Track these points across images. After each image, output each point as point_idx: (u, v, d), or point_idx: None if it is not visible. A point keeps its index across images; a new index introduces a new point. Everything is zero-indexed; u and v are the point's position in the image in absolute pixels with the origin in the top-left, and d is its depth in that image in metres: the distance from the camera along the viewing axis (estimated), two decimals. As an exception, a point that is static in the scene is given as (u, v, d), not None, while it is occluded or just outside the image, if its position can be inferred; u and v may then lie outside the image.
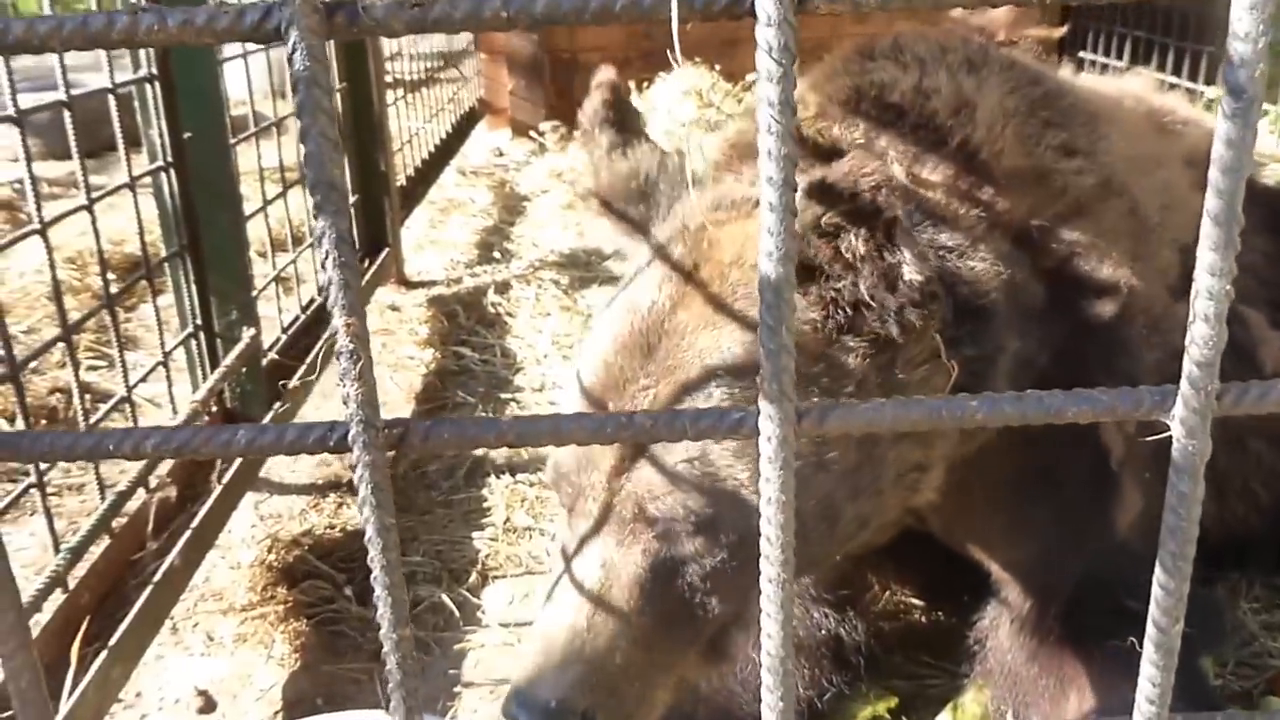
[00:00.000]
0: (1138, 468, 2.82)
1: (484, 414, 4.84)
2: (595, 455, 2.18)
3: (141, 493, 3.28)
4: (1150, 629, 0.75)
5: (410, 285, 6.40)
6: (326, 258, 0.64)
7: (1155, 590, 0.73)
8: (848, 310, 2.12)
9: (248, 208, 4.18)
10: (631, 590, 2.17)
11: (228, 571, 3.85)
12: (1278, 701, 2.88)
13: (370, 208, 5.86)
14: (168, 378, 3.63)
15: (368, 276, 5.48)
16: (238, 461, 3.66)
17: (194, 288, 3.76)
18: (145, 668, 3.40)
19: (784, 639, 0.73)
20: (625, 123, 2.62)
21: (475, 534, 4.01)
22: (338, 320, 0.66)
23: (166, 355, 3.59)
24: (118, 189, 3.33)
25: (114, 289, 3.33)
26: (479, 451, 4.51)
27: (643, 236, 2.49)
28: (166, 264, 3.71)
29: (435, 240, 7.34)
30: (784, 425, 0.67)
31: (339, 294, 0.65)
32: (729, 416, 0.69)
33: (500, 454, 4.48)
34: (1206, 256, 0.64)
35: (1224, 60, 0.64)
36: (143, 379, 3.56)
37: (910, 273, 2.05)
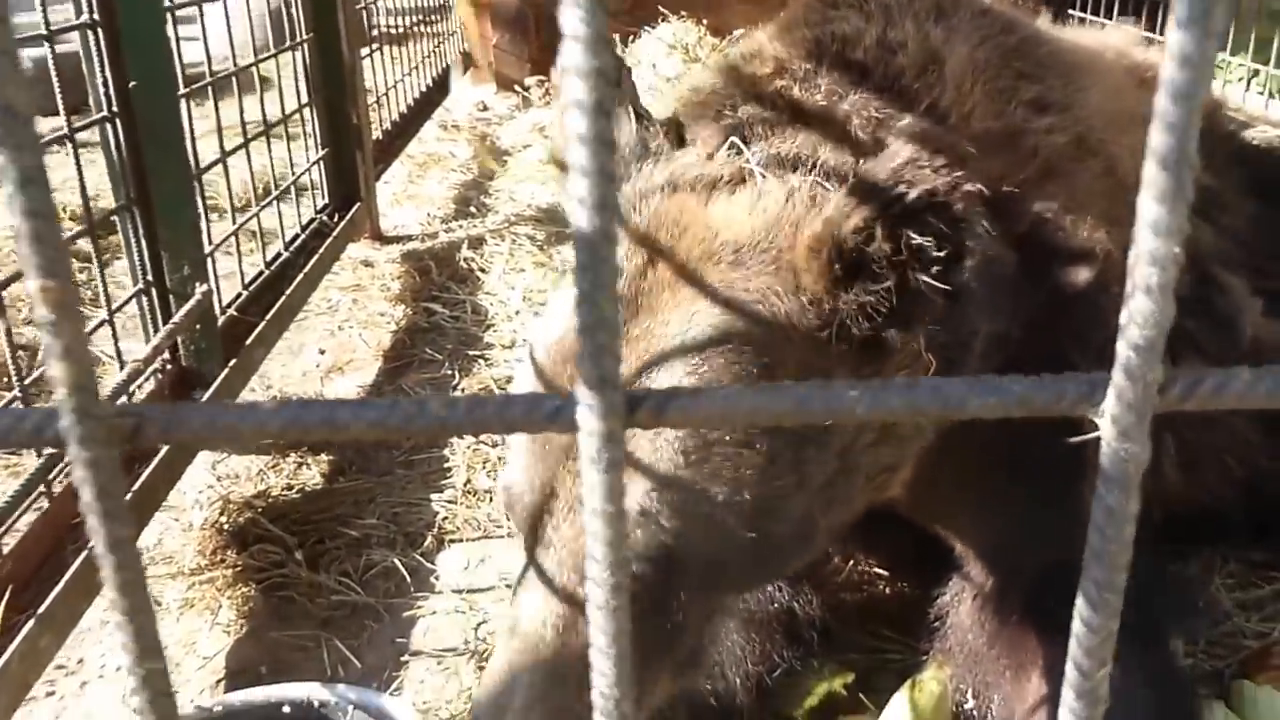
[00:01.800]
0: None
1: (450, 372, 4.70)
2: (555, 479, 2.02)
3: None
4: (1070, 671, 0.60)
5: (385, 240, 6.23)
6: (10, 202, 0.49)
7: (1076, 626, 0.59)
8: (878, 314, 1.97)
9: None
10: None
11: (180, 534, 3.71)
12: (1250, 686, 2.74)
13: (341, 161, 5.68)
14: (113, 334, 3.48)
15: (338, 231, 5.31)
16: (186, 422, 3.52)
17: (144, 243, 3.60)
18: (89, 634, 3.28)
19: (619, 676, 0.58)
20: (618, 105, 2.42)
21: (434, 496, 3.86)
22: (32, 284, 0.51)
23: (112, 313, 3.44)
24: (56, 139, 3.16)
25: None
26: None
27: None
28: (115, 218, 3.56)
29: (413, 195, 7.16)
30: (608, 418, 0.52)
31: (30, 250, 0.50)
32: (543, 406, 0.54)
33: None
34: (1150, 210, 0.49)
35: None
36: (88, 334, 3.41)
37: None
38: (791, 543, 2.08)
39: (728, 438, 1.95)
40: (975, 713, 2.66)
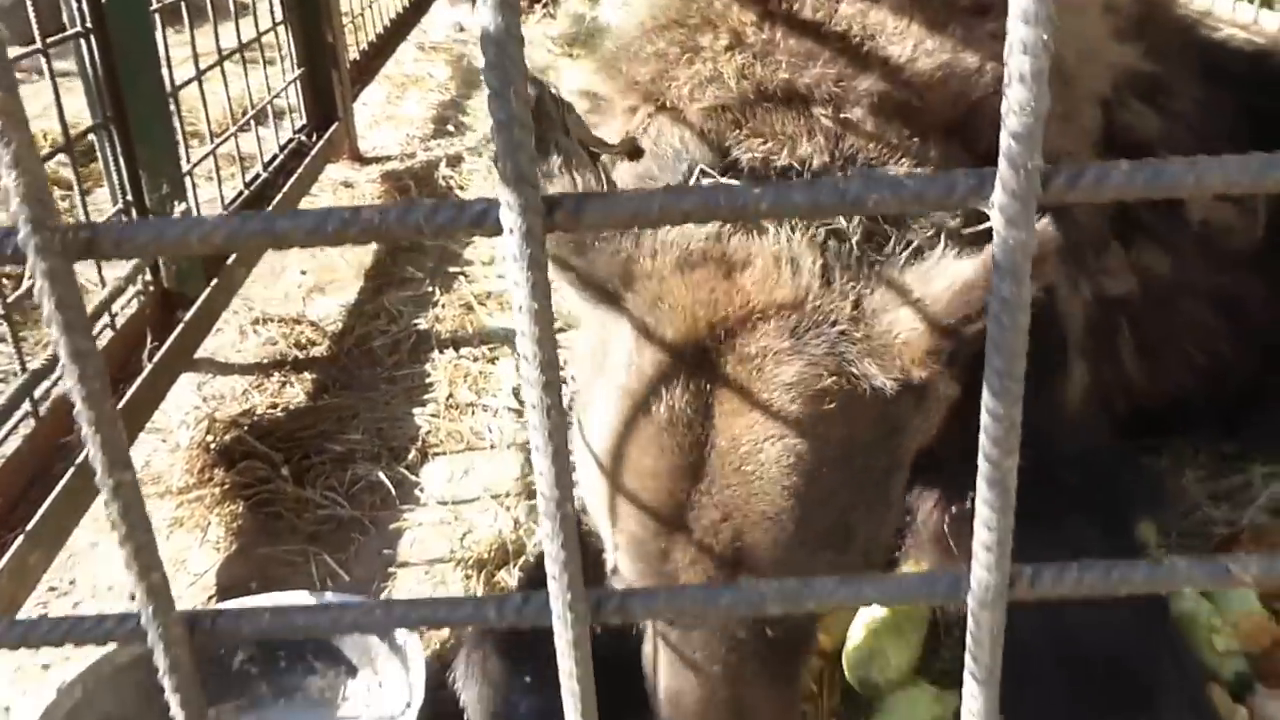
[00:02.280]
0: (1083, 337, 2.75)
1: (431, 289, 4.74)
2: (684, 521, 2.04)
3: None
4: (981, 463, 0.65)
5: (364, 161, 6.24)
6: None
7: (984, 418, 0.63)
8: None
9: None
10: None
11: (167, 455, 3.77)
12: None
13: (318, 80, 5.67)
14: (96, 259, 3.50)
15: (316, 150, 5.32)
16: (169, 341, 3.56)
17: (122, 163, 3.63)
18: (79, 555, 3.34)
19: (557, 474, 0.63)
20: (547, 143, 2.22)
21: (417, 410, 3.93)
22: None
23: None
24: (27, 54, 3.18)
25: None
26: (423, 325, 4.42)
27: (593, 291, 2.19)
28: (93, 137, 3.58)
29: (392, 116, 7.16)
30: (527, 214, 0.56)
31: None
32: (469, 209, 0.58)
33: (446, 329, 4.40)
34: (1019, 1, 0.53)
35: None
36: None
37: None
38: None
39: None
40: (952, 607, 2.73)
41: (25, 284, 3.36)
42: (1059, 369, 2.70)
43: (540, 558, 2.93)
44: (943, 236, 2.15)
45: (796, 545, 2.02)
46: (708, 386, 2.03)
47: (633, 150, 2.32)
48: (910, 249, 2.11)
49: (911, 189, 0.59)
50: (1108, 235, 2.87)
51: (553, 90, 2.14)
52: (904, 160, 2.25)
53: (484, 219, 0.59)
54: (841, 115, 2.26)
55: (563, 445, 0.65)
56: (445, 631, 2.94)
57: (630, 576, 2.14)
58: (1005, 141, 0.56)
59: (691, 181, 2.25)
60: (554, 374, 0.62)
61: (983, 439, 0.66)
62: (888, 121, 2.27)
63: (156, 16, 3.83)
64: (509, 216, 0.57)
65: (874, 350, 2.02)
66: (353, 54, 6.46)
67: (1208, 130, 3.08)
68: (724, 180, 2.21)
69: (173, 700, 0.74)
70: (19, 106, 0.56)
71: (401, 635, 2.67)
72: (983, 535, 0.68)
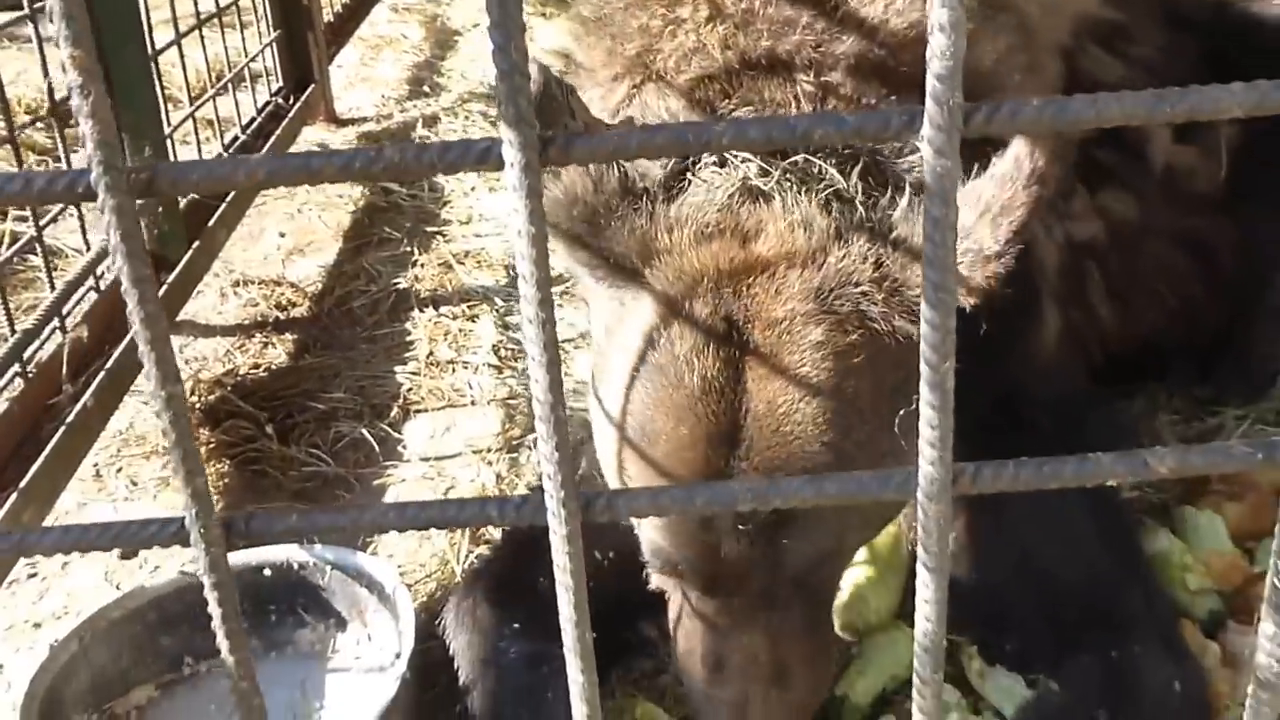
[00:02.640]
0: (1056, 282, 2.84)
1: (410, 249, 4.84)
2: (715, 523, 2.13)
3: (58, 336, 3.27)
4: (922, 368, 0.75)
5: (340, 123, 6.32)
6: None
7: (922, 327, 0.74)
8: None
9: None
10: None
11: (149, 416, 3.86)
12: (1192, 512, 2.95)
13: (293, 42, 5.75)
14: (80, 219, 3.60)
15: (293, 113, 5.40)
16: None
17: (105, 126, 3.70)
18: (68, 515, 3.44)
19: (551, 382, 0.74)
20: (558, 121, 2.35)
21: (398, 368, 4.04)
22: (63, 53, 0.65)
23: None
24: (14, 20, 3.26)
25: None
26: (402, 285, 4.53)
27: (610, 270, 2.25)
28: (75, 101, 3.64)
29: (366, 77, 7.22)
30: (525, 150, 0.67)
31: (61, 25, 0.64)
32: (474, 148, 0.69)
33: (425, 288, 4.49)
34: (941, -39, 0.64)
35: None
36: (52, 219, 3.54)
37: None
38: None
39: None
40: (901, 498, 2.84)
41: (8, 250, 3.44)
42: (1034, 317, 2.81)
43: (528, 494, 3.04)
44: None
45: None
46: (737, 354, 2.10)
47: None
48: (906, 201, 2.21)
49: (852, 124, 0.70)
50: (1074, 180, 2.96)
51: (556, 75, 2.22)
52: None
53: (488, 155, 0.69)
54: (822, 79, 2.35)
55: (555, 357, 0.76)
56: (433, 584, 3.05)
57: (670, 549, 2.21)
58: (930, 82, 0.67)
59: (710, 171, 2.31)
60: (547, 291, 0.73)
61: (923, 346, 0.76)
62: (865, 82, 2.36)
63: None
64: (510, 152, 0.68)
65: (907, 304, 2.12)
66: (327, 16, 6.52)
67: (1169, 76, 3.16)
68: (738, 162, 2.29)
69: (211, 597, 0.85)
70: (95, 65, 0.66)
71: (391, 587, 2.76)
72: (926, 433, 0.79)
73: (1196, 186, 3.25)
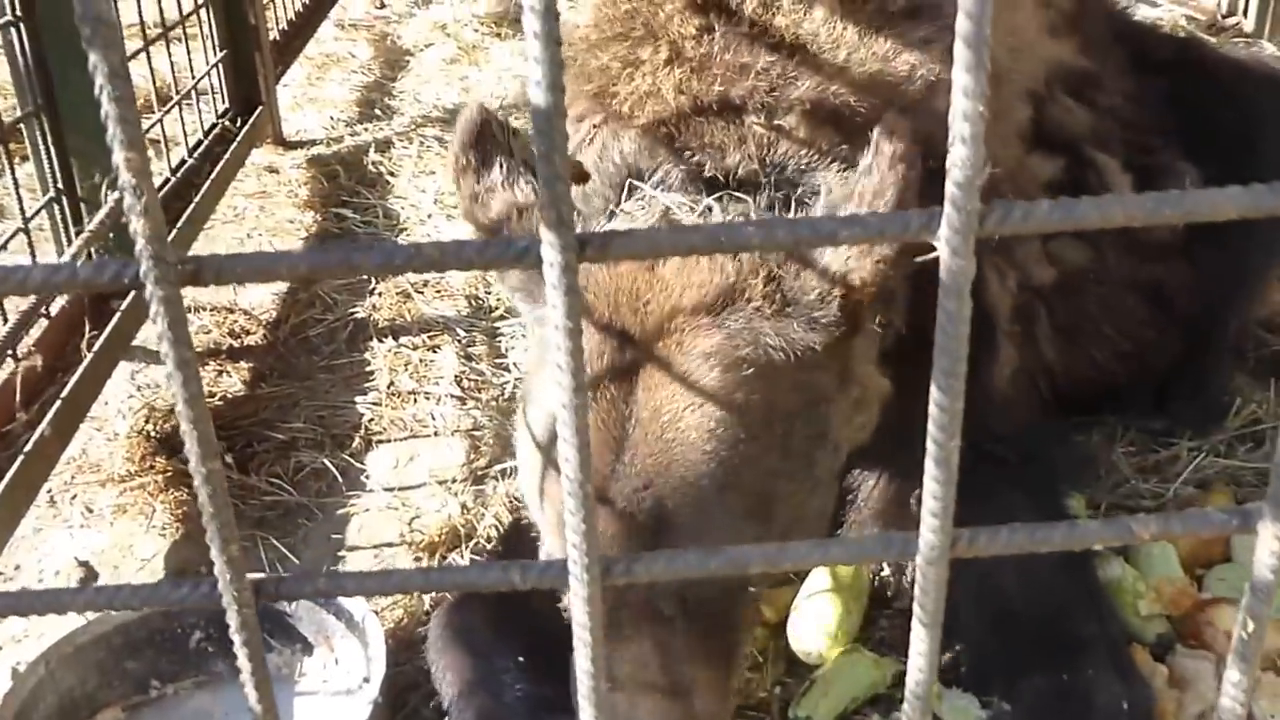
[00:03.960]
0: (1010, 324, 2.93)
1: (365, 279, 4.84)
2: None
3: (10, 365, 3.27)
4: (930, 446, 0.80)
5: (288, 146, 6.26)
6: (100, 92, 0.67)
7: (931, 409, 0.79)
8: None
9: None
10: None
11: (105, 443, 3.86)
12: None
13: (240, 63, 5.71)
14: (29, 246, 3.60)
15: (240, 136, 5.38)
16: (109, 329, 3.64)
17: (53, 150, 3.70)
18: (24, 541, 3.43)
19: (581, 461, 0.78)
20: (493, 164, 2.42)
21: (358, 398, 4.05)
22: (118, 156, 0.69)
23: (27, 221, 3.55)
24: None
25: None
26: (360, 314, 4.53)
27: (529, 305, 2.44)
28: (23, 126, 3.65)
29: (314, 98, 7.18)
30: (565, 252, 0.71)
31: (116, 129, 0.68)
32: (514, 246, 0.73)
33: (384, 317, 4.49)
34: (961, 79, 0.69)
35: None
36: (2, 246, 3.53)
37: None
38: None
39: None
40: (892, 578, 2.93)
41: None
42: (990, 354, 2.90)
43: (494, 538, 3.09)
44: (823, 188, 2.36)
45: (717, 511, 2.18)
46: (632, 363, 2.23)
47: (579, 175, 2.47)
48: (805, 206, 2.31)
49: (874, 225, 0.75)
50: None
51: (499, 117, 2.29)
52: (833, 165, 2.42)
53: (526, 254, 0.74)
54: (775, 122, 2.43)
55: (585, 441, 0.80)
56: (400, 611, 3.07)
57: (558, 555, 2.29)
58: (950, 189, 0.72)
59: (624, 194, 2.43)
60: (582, 379, 0.77)
61: (930, 426, 0.82)
62: (819, 127, 2.44)
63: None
64: (549, 253, 0.72)
65: (799, 310, 2.23)
66: (273, 34, 6.49)
67: (1137, 123, 3.27)
68: (661, 194, 2.39)
69: (241, 653, 0.89)
70: (147, 165, 0.70)
71: (360, 613, 2.80)
72: (930, 504, 0.84)
73: (1156, 235, 3.35)
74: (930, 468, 0.84)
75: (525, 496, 2.41)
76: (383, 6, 9.15)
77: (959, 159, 0.72)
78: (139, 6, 4.71)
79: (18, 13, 3.47)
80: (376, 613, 2.91)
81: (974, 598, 2.73)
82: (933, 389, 0.80)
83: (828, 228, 0.74)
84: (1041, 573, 2.71)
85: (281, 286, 4.84)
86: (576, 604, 0.87)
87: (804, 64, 2.48)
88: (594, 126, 2.57)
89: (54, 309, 3.58)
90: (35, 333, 3.44)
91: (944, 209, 0.74)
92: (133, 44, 4.59)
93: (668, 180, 2.42)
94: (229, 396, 4.07)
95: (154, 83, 4.85)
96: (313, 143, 6.34)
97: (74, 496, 3.64)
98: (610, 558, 0.87)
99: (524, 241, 0.74)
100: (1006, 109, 2.78)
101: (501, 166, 2.34)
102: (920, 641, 0.89)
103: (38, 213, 3.68)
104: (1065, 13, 3.29)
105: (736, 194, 2.36)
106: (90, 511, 3.56)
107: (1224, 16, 6.24)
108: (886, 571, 2.95)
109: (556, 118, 0.69)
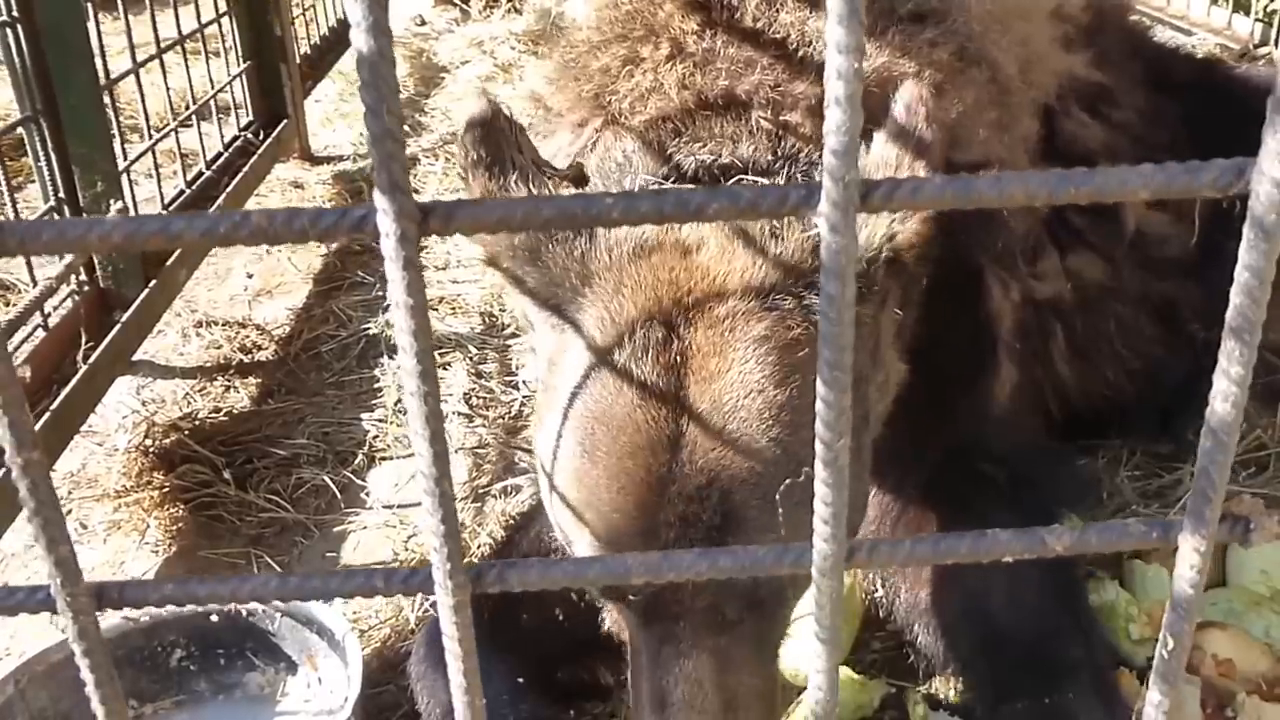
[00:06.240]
0: (1012, 338, 2.89)
1: (382, 294, 4.82)
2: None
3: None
4: (818, 446, 0.75)
5: (315, 160, 6.31)
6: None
7: (819, 405, 0.73)
8: None
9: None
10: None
11: (104, 458, 3.84)
12: (1142, 565, 3.03)
13: (265, 76, 5.73)
14: (27, 263, 3.60)
15: (263, 149, 5.38)
16: (106, 342, 3.62)
17: (54, 158, 3.67)
18: (14, 557, 3.43)
19: (435, 455, 0.73)
20: (504, 160, 2.30)
21: (364, 415, 4.02)
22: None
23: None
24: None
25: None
26: (373, 330, 4.52)
27: (550, 297, 2.27)
28: (22, 131, 3.62)
29: (345, 114, 7.21)
30: (402, 220, 0.66)
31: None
32: (350, 215, 0.68)
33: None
34: (835, 33, 0.64)
35: None
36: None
37: None
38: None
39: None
40: (884, 599, 2.87)
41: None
42: (988, 369, 2.84)
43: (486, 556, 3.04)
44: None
45: (784, 501, 2.09)
46: (678, 358, 2.11)
47: (578, 176, 2.42)
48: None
49: (747, 198, 0.69)
50: (1044, 240, 3.00)
51: (506, 111, 2.23)
52: None
53: (363, 223, 0.68)
54: (781, 118, 2.38)
55: (439, 430, 0.75)
56: (387, 630, 3.03)
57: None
58: (826, 158, 0.66)
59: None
60: (429, 363, 0.72)
61: (818, 425, 0.75)
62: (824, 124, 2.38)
63: (89, 4, 3.87)
64: (385, 222, 0.67)
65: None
66: (304, 48, 6.52)
67: (1151, 140, 3.22)
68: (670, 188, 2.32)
69: (82, 664, 0.83)
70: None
71: (341, 633, 2.76)
72: (821, 510, 0.78)
73: (1168, 252, 3.32)
74: (819, 470, 0.77)
75: (558, 520, 2.33)
76: (423, 24, 9.20)
77: (835, 124, 0.66)
78: (176, 19, 4.74)
79: (14, 13, 3.45)
80: (363, 632, 2.87)
81: (962, 619, 2.69)
82: (818, 384, 0.74)
83: (696, 200, 0.69)
84: (1029, 596, 2.68)
85: (297, 301, 4.84)
86: (443, 614, 0.82)
87: (807, 61, 2.43)
88: (595, 130, 2.52)
89: (52, 321, 3.56)
90: (32, 345, 3.43)
91: (822, 181, 0.68)
92: (156, 62, 4.57)
93: (681, 172, 2.35)
94: (234, 412, 4.05)
95: (192, 95, 4.87)
96: (340, 158, 6.37)
97: (69, 512, 3.62)
98: (481, 564, 0.82)
99: (361, 210, 0.69)
100: (1014, 120, 2.73)
101: (514, 164, 2.29)
102: (818, 659, 0.82)
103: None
104: (1080, 26, 3.25)
105: (757, 179, 2.29)
106: (84, 528, 3.54)
107: (1256, 46, 6.20)
108: (880, 591, 2.89)
109: (384, 65, 0.64)
